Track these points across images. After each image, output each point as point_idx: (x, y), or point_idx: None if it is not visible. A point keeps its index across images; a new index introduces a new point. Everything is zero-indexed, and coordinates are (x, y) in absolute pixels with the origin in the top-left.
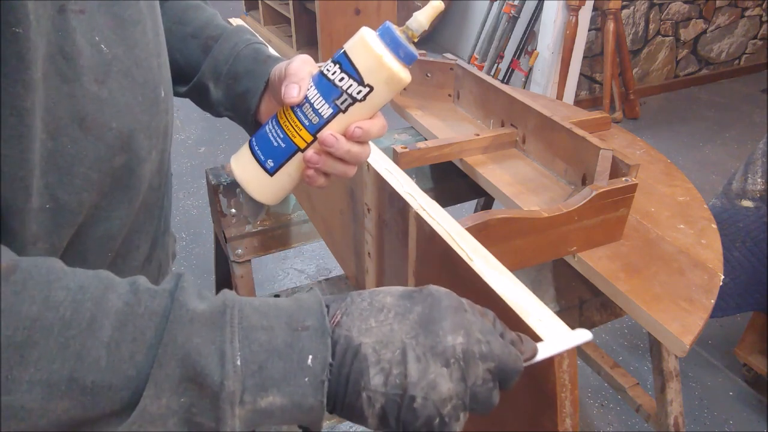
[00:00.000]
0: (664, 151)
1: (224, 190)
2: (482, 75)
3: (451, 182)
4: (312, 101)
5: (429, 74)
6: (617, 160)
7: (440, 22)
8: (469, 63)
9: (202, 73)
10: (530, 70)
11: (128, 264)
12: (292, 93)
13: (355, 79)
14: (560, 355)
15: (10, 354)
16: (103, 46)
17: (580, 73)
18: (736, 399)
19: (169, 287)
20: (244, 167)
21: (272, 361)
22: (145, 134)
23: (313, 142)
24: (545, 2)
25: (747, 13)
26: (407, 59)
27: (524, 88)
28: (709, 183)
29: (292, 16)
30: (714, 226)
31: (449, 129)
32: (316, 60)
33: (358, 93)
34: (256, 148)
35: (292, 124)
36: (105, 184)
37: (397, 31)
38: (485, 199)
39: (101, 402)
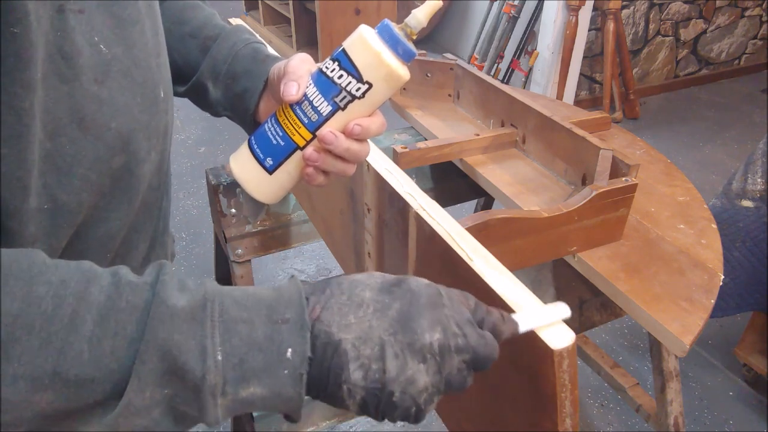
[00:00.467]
0: (664, 151)
1: (224, 190)
2: (482, 75)
3: (451, 182)
4: (311, 99)
5: (429, 74)
6: (617, 160)
7: (440, 22)
8: (469, 63)
9: (201, 72)
10: (530, 70)
11: (127, 264)
12: (291, 91)
13: (353, 77)
14: (560, 355)
15: None
16: (102, 46)
17: (580, 73)
18: (736, 399)
19: (150, 279)
20: (243, 166)
21: (252, 354)
22: (144, 134)
23: (312, 140)
24: (545, 2)
25: (747, 13)
26: (406, 56)
27: (524, 88)
28: (709, 183)
29: (292, 16)
30: (714, 226)
31: (449, 129)
32: (316, 60)
33: (357, 90)
34: (255, 146)
35: (291, 122)
36: (104, 185)
37: (395, 28)
38: (485, 199)
39: (84, 394)
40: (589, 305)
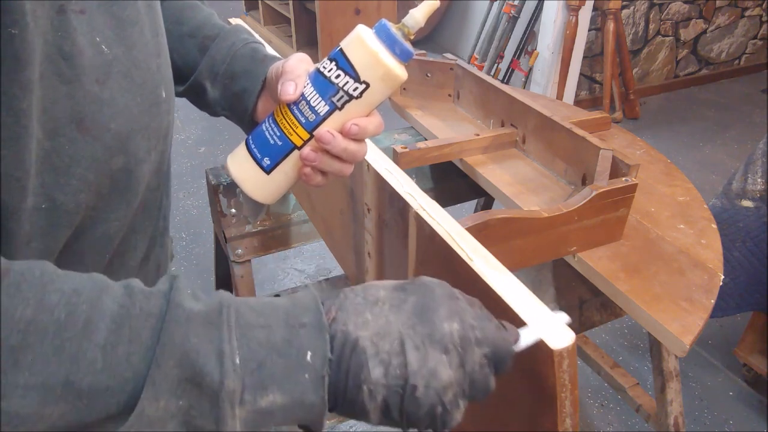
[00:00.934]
0: (664, 151)
1: (224, 190)
2: (482, 75)
3: (451, 182)
4: (308, 98)
5: (429, 74)
6: (617, 160)
7: (440, 22)
8: (469, 63)
9: (199, 72)
10: (530, 70)
11: (125, 264)
12: (289, 90)
13: (351, 76)
14: (560, 355)
15: (5, 358)
16: (103, 46)
17: (580, 73)
18: (736, 399)
19: (163, 289)
20: (241, 165)
21: (271, 358)
22: (143, 135)
23: (309, 139)
24: (545, 2)
25: (747, 13)
26: (403, 56)
27: (524, 88)
28: (709, 183)
29: (292, 16)
30: (714, 226)
31: (449, 129)
32: (315, 61)
33: (354, 90)
34: (253, 146)
35: (289, 121)
36: (103, 186)
37: (393, 28)
38: (485, 199)
39: (98, 405)
40: (589, 305)
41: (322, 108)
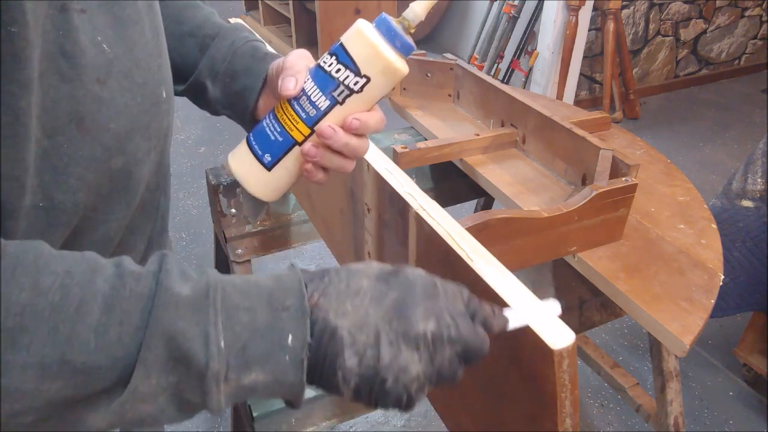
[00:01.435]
0: (664, 151)
1: (224, 190)
2: (482, 75)
3: (451, 182)
4: (309, 94)
5: (429, 74)
6: (617, 160)
7: (440, 22)
8: (469, 63)
9: (200, 71)
10: (530, 70)
11: None
12: (289, 86)
13: (351, 70)
14: (560, 355)
15: (3, 339)
16: (105, 46)
17: (580, 73)
18: (736, 399)
19: (153, 269)
20: (242, 163)
21: (254, 341)
22: (143, 136)
23: (310, 135)
24: (545, 2)
25: (747, 13)
26: (404, 50)
27: (524, 88)
28: (709, 183)
29: (292, 16)
30: (714, 226)
31: (449, 129)
32: (315, 59)
33: (355, 84)
34: (254, 142)
35: (289, 117)
36: (102, 186)
37: (393, 21)
38: (485, 199)
39: (92, 381)
40: (589, 305)
41: (323, 103)
